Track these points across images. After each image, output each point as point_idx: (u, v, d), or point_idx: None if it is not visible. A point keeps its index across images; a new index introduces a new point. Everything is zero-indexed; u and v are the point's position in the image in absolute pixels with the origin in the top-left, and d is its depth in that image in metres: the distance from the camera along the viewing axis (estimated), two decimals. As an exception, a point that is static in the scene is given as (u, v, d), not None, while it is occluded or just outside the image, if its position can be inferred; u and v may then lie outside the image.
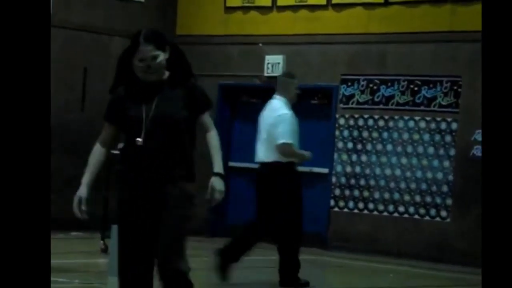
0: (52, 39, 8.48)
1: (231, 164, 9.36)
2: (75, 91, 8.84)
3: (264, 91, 9.16)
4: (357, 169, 8.60)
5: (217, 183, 3.98)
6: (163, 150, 3.95)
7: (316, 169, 8.84)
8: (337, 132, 8.68)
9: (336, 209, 8.73)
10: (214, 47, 9.32)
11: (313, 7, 8.86)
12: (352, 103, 8.64)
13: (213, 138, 4.12)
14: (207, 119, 4.09)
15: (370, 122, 8.56)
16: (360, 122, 8.60)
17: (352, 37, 8.63)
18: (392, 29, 8.45)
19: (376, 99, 8.55)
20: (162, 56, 3.93)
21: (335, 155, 8.68)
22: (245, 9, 9.24)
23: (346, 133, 8.66)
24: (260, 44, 9.06)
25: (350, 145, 8.64)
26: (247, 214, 9.28)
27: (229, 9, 9.33)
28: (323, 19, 8.80)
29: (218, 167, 4.06)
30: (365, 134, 8.58)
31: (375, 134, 8.53)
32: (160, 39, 3.97)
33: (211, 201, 3.93)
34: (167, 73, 4.00)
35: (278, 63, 8.94)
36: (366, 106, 8.58)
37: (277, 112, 6.41)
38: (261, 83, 9.07)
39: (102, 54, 9.02)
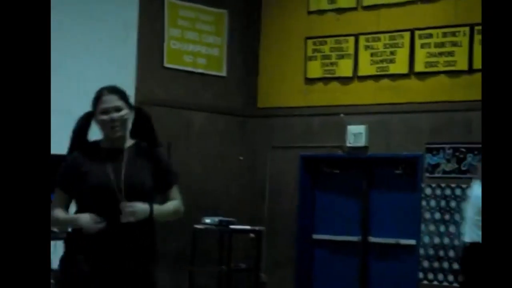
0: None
1: (315, 236, 9.23)
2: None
3: (346, 161, 9.08)
4: (446, 240, 8.36)
5: (140, 204, 3.58)
6: (139, 230, 3.61)
7: (403, 241, 8.64)
8: (423, 202, 8.48)
9: (425, 282, 8.47)
10: (295, 119, 9.30)
11: (395, 76, 8.78)
12: (438, 172, 8.45)
13: (172, 203, 3.76)
14: (175, 193, 3.79)
15: (458, 191, 8.35)
16: (447, 192, 8.40)
17: (436, 105, 8.50)
18: (477, 97, 8.28)
19: (462, 168, 8.35)
20: (126, 111, 3.65)
21: (422, 226, 8.46)
22: (325, 80, 9.22)
23: (433, 203, 8.45)
24: (342, 115, 9.00)
25: (437, 215, 8.43)
26: (332, 287, 9.13)
27: (310, 80, 9.32)
28: (406, 88, 8.71)
29: (155, 206, 3.66)
30: (452, 204, 8.36)
31: (463, 204, 8.30)
32: (124, 93, 3.72)
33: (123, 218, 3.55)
34: (131, 141, 3.70)
35: (360, 133, 8.85)
36: (452, 175, 8.38)
37: None
38: (343, 153, 8.98)
39: (186, 129, 9.08)
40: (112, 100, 3.66)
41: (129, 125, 3.70)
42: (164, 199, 3.77)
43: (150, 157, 3.71)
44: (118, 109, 3.64)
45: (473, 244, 7.12)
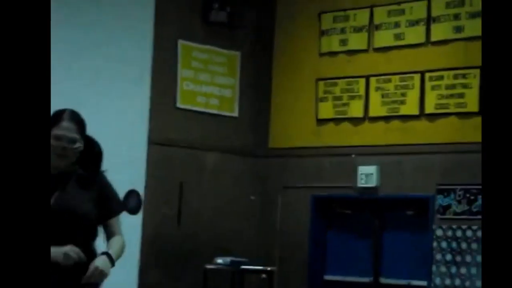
0: (149, 155, 8.70)
1: (327, 277, 9.23)
2: (172, 206, 8.92)
3: (358, 202, 9.11)
4: (457, 281, 8.34)
5: (99, 260, 3.44)
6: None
7: (415, 282, 8.63)
8: (434, 244, 8.48)
9: (436, 323, 8.44)
10: (307, 159, 9.35)
11: (405, 117, 8.84)
12: (449, 214, 8.46)
13: (117, 241, 3.58)
14: (115, 226, 3.61)
15: (469, 233, 8.35)
16: (458, 233, 8.40)
17: (446, 147, 8.53)
18: (488, 138, 8.33)
19: (473, 209, 8.35)
20: (79, 144, 3.55)
21: (433, 267, 8.45)
22: (337, 120, 9.29)
23: (444, 244, 8.45)
24: (353, 155, 9.04)
25: (448, 257, 8.42)
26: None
27: (321, 121, 9.39)
28: (416, 129, 8.76)
29: (112, 253, 3.48)
30: (463, 245, 8.36)
31: (474, 246, 8.29)
32: (83, 124, 3.62)
33: (88, 280, 3.39)
34: (74, 166, 3.56)
35: (372, 173, 8.89)
36: (463, 216, 8.39)
37: None
38: (355, 194, 9.01)
39: (198, 169, 9.15)
40: (70, 130, 3.53)
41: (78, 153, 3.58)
42: (104, 228, 3.62)
43: (94, 184, 3.60)
44: (73, 141, 3.53)
45: None
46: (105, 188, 3.65)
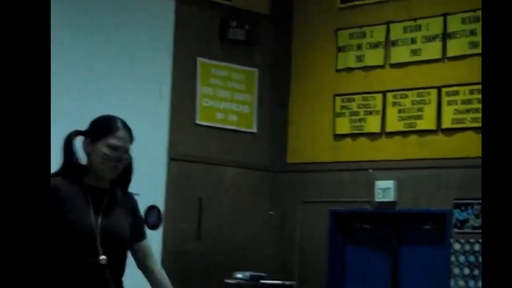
0: (169, 171, 8.80)
1: (345, 291, 9.28)
2: (191, 222, 9.01)
3: (375, 217, 9.16)
4: (475, 295, 8.37)
5: None
6: (119, 276, 3.22)
7: (433, 296, 8.67)
8: (452, 258, 8.51)
9: (454, 337, 8.46)
10: (325, 174, 9.42)
11: (422, 132, 8.89)
12: (467, 228, 8.50)
13: (164, 275, 3.34)
14: (148, 247, 3.37)
15: (486, 246, 8.36)
16: (476, 247, 8.43)
17: (464, 161, 8.58)
18: (505, 152, 8.37)
19: (491, 223, 8.37)
20: (129, 156, 3.22)
21: (452, 282, 8.48)
22: (354, 136, 9.36)
23: (462, 258, 8.48)
24: (370, 170, 9.10)
25: (466, 271, 8.45)
26: None
27: (339, 136, 9.46)
28: (433, 143, 8.81)
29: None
30: (481, 259, 8.38)
31: (492, 259, 8.32)
32: (132, 135, 3.28)
33: None
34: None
35: (389, 188, 8.94)
36: (481, 230, 8.41)
37: None
38: (372, 208, 9.06)
39: (217, 185, 9.24)
40: (126, 140, 3.20)
41: None
42: (136, 251, 3.37)
43: (127, 204, 3.32)
44: (126, 151, 3.20)
45: None
46: (137, 209, 3.40)
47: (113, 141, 3.17)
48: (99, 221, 3.14)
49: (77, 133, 3.28)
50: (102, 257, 3.11)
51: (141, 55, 8.69)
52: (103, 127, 3.22)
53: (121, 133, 3.21)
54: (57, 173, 3.18)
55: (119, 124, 3.24)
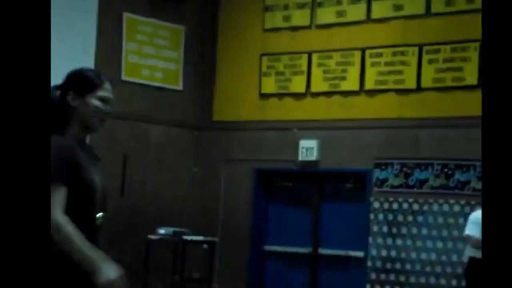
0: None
1: (267, 248, 9.43)
2: (115, 178, 9.00)
3: (299, 175, 9.31)
4: (393, 253, 8.61)
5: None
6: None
7: (352, 253, 8.88)
8: (371, 216, 8.73)
9: (372, 293, 8.71)
10: (250, 133, 9.50)
11: (346, 93, 9.03)
12: (386, 187, 8.71)
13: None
14: None
15: (405, 205, 8.61)
16: (395, 206, 8.66)
17: (385, 122, 8.76)
18: (425, 114, 8.58)
19: (410, 183, 8.61)
20: None
21: (370, 239, 8.71)
22: (279, 95, 9.44)
23: (380, 216, 8.71)
24: (295, 130, 9.22)
25: (385, 228, 8.68)
26: (283, 298, 9.32)
27: (264, 96, 9.54)
28: (356, 104, 8.96)
29: None
30: (400, 217, 8.62)
31: (409, 218, 8.57)
32: None
33: None
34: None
35: (312, 148, 9.08)
36: (400, 189, 8.64)
37: None
38: (296, 167, 9.20)
39: (142, 142, 9.24)
40: (111, 92, 3.15)
41: None
42: None
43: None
44: (111, 103, 3.18)
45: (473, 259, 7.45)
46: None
47: (103, 93, 3.13)
48: (98, 181, 3.05)
49: (58, 87, 3.21)
50: (99, 214, 3.05)
51: (65, 9, 8.57)
52: (91, 81, 3.16)
53: (108, 85, 3.17)
54: (51, 131, 2.97)
55: (103, 77, 3.20)
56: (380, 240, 8.68)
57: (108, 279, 2.92)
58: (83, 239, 2.92)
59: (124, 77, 9.13)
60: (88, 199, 3.01)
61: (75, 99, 3.15)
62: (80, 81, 3.20)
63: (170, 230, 8.80)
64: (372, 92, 8.89)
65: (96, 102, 3.12)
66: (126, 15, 9.16)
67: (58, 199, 2.91)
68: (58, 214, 2.89)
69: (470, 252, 7.58)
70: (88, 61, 8.77)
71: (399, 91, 8.73)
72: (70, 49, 8.62)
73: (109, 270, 2.93)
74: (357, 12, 9.00)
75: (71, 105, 3.14)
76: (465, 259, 7.69)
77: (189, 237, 8.84)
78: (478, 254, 7.30)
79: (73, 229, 2.91)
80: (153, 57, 9.41)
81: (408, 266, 8.51)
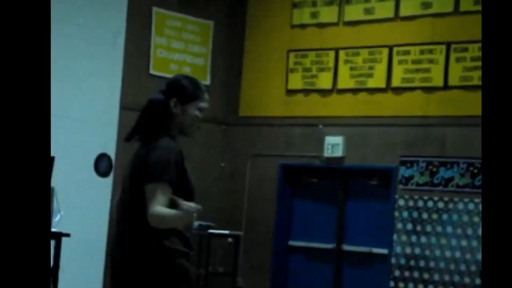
0: (121, 119, 8.84)
1: (291, 243, 9.47)
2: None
3: (324, 171, 9.34)
4: (417, 250, 8.62)
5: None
6: None
7: (376, 250, 8.89)
8: (396, 213, 8.74)
9: (395, 290, 8.72)
10: (276, 128, 9.54)
11: (372, 90, 9.05)
12: (411, 184, 8.71)
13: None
14: None
15: (430, 203, 8.61)
16: (420, 204, 8.66)
17: (411, 120, 8.76)
18: (451, 112, 8.57)
19: (435, 181, 8.61)
20: None
21: (395, 236, 8.72)
22: (306, 91, 9.47)
23: (405, 214, 8.71)
24: (320, 126, 9.24)
25: (409, 226, 8.68)
26: (306, 294, 9.36)
27: (291, 92, 9.57)
28: (383, 101, 8.97)
29: None
30: (424, 215, 8.62)
31: (434, 216, 8.57)
32: None
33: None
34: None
35: (338, 144, 9.10)
36: (425, 187, 8.64)
37: None
38: (321, 163, 9.22)
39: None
40: (208, 102, 3.39)
41: None
42: None
43: None
44: (205, 112, 3.42)
45: None
46: None
47: (203, 104, 3.36)
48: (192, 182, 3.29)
49: (163, 92, 3.39)
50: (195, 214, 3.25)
51: (95, 4, 8.66)
52: (194, 91, 3.36)
53: (207, 96, 3.38)
54: (161, 135, 3.22)
55: (204, 88, 3.40)
56: (404, 238, 8.69)
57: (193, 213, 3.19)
58: (168, 211, 3.10)
59: (152, 71, 9.21)
60: (189, 199, 3.24)
61: (177, 106, 3.37)
62: (184, 91, 3.40)
63: (196, 223, 8.86)
64: (398, 90, 8.90)
65: (196, 112, 3.36)
66: (155, 10, 9.24)
67: (161, 198, 3.14)
68: (153, 207, 3.11)
69: None
70: (117, 56, 8.87)
71: (426, 89, 8.73)
72: (100, 44, 8.72)
73: (192, 209, 3.18)
74: (385, 9, 9.01)
75: (173, 111, 3.33)
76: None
77: (214, 231, 8.90)
78: None
79: (165, 210, 3.11)
80: (182, 51, 9.48)
81: (432, 264, 8.52)
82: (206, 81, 9.64)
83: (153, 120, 3.29)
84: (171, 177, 3.20)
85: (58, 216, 6.50)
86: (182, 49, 9.48)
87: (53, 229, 6.40)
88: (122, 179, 3.47)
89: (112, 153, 8.77)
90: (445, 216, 8.50)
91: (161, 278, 3.15)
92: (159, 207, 3.15)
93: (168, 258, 3.19)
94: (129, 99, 8.91)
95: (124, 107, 8.90)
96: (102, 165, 8.67)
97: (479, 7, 8.44)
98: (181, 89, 3.41)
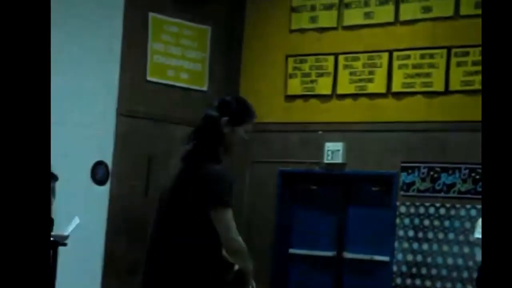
0: (117, 126, 8.75)
1: (291, 251, 9.37)
2: (140, 178, 8.98)
3: (324, 178, 9.24)
4: (419, 257, 8.52)
5: None
6: None
7: (377, 257, 8.80)
8: (397, 220, 8.64)
9: (397, 298, 8.62)
10: (275, 134, 9.45)
11: (372, 96, 8.96)
12: (412, 191, 8.62)
13: None
14: None
15: (431, 210, 8.52)
16: (421, 210, 8.57)
17: (412, 125, 8.67)
18: (453, 118, 8.49)
19: (437, 187, 8.52)
20: None
21: (396, 243, 8.62)
22: (305, 97, 9.39)
23: (407, 221, 8.62)
24: (320, 132, 9.16)
25: (411, 233, 8.59)
26: (306, 302, 9.26)
27: (290, 97, 9.48)
28: (383, 107, 8.89)
29: None
30: (426, 222, 8.53)
31: (436, 223, 8.47)
32: None
33: None
34: None
35: (338, 150, 9.01)
36: (427, 194, 8.55)
37: None
38: (321, 170, 9.13)
39: (167, 142, 9.20)
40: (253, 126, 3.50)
41: None
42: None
43: None
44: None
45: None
46: None
47: (250, 127, 3.51)
48: None
49: (216, 109, 3.47)
50: None
51: (91, 8, 8.57)
52: (246, 114, 3.52)
53: (255, 119, 3.53)
54: (214, 161, 3.35)
55: (254, 111, 3.56)
56: (406, 245, 8.59)
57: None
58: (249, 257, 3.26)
59: (149, 77, 9.11)
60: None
61: (228, 126, 3.50)
62: (237, 112, 3.54)
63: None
64: (399, 95, 8.81)
65: (244, 134, 3.51)
66: (151, 15, 9.14)
67: (233, 222, 3.40)
68: (238, 237, 3.37)
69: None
70: (114, 61, 8.77)
71: (427, 94, 8.64)
72: (96, 49, 8.63)
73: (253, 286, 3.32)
74: (385, 13, 8.92)
75: (223, 130, 3.46)
76: (478, 263, 7.59)
77: (212, 239, 8.78)
78: None
79: (244, 245, 3.38)
80: (179, 57, 9.38)
81: (434, 271, 8.42)
82: (204, 87, 9.55)
83: (208, 138, 3.42)
84: (231, 201, 3.40)
85: (74, 225, 6.45)
86: (179, 55, 9.38)
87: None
88: (161, 195, 3.66)
89: (109, 161, 8.66)
90: (447, 223, 8.41)
91: None
92: (240, 238, 3.38)
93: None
94: (126, 105, 8.81)
95: (121, 114, 8.80)
96: (99, 172, 8.56)
97: (479, 11, 8.35)
98: (236, 110, 3.55)
